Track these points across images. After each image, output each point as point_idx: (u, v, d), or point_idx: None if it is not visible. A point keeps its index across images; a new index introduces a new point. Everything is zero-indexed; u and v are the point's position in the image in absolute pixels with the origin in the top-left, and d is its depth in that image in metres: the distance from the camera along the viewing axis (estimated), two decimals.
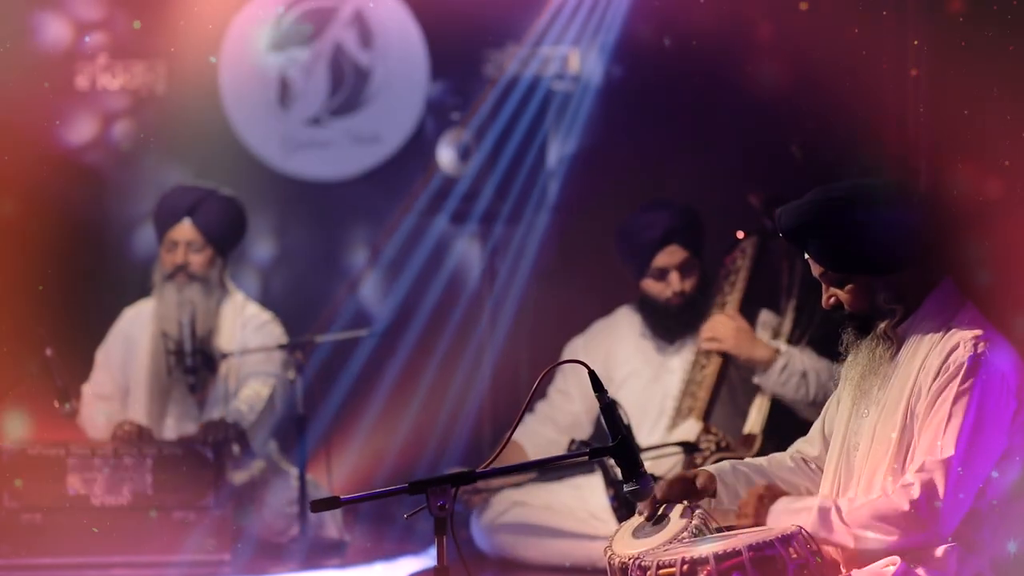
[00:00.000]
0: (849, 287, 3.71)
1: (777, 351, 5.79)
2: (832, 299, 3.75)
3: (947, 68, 5.56)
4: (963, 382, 3.56)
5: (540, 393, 6.23)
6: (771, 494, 3.68)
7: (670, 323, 6.04)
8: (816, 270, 3.75)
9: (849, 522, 3.54)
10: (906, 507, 3.50)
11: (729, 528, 3.64)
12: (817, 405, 3.99)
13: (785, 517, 3.59)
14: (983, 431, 3.55)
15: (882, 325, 3.70)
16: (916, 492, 3.50)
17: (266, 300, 6.70)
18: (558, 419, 6.15)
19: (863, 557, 3.59)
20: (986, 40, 5.23)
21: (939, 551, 3.57)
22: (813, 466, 3.89)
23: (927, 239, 3.72)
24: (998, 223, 4.94)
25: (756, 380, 5.83)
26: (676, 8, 6.90)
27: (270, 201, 7.56)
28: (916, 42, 5.84)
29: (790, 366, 5.76)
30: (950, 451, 3.52)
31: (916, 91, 5.90)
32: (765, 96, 6.52)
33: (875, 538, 3.52)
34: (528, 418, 6.19)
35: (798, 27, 6.44)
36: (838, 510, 3.57)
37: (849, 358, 3.78)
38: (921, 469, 3.53)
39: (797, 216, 3.71)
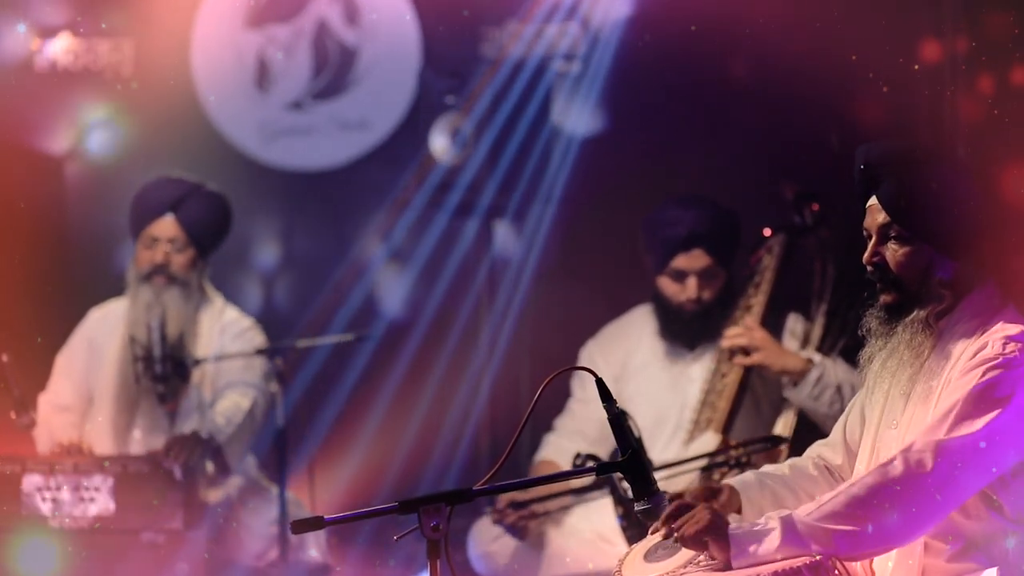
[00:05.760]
0: (907, 250, 3.63)
1: (810, 361, 5.75)
2: (877, 257, 3.68)
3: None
4: (982, 376, 3.51)
5: (558, 409, 6.18)
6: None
7: (681, 328, 6.02)
8: (876, 219, 3.67)
9: (820, 520, 3.44)
10: (886, 483, 3.42)
11: None
12: None
13: (748, 540, 3.46)
14: (998, 420, 3.46)
15: (924, 311, 3.64)
16: (897, 469, 3.44)
17: (241, 302, 6.67)
18: (587, 431, 6.09)
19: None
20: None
21: (975, 573, 3.55)
22: (837, 475, 3.85)
23: (991, 234, 3.67)
24: None
25: (786, 394, 5.80)
26: None
27: (246, 192, 7.53)
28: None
29: (824, 378, 5.71)
30: (941, 433, 3.45)
31: (953, 79, 5.91)
32: (791, 81, 6.50)
33: (850, 530, 3.41)
34: (552, 437, 6.14)
35: (827, 6, 6.45)
36: (800, 514, 3.46)
37: (875, 352, 3.71)
38: (908, 449, 3.47)
39: (887, 152, 3.65)
